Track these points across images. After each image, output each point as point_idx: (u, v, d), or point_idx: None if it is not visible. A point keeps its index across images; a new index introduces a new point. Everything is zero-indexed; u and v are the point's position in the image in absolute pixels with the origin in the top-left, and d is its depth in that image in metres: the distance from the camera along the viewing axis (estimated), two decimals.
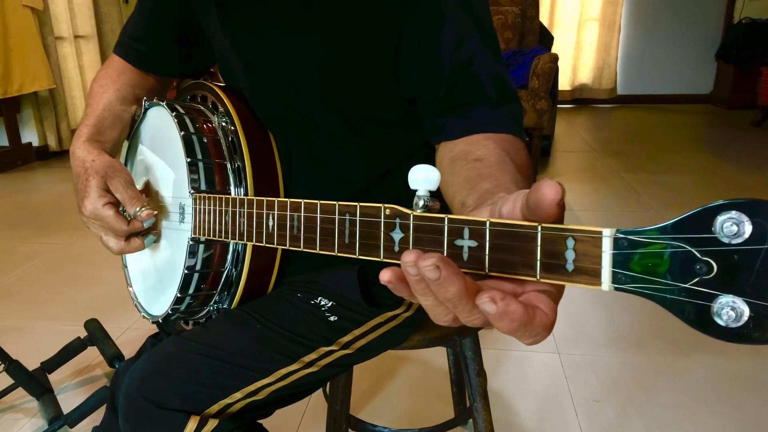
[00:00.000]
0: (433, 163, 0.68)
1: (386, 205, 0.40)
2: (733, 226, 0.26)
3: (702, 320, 0.28)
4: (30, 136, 4.10)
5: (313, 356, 0.72)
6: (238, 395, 0.68)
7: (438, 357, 1.59)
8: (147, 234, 0.74)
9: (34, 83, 3.83)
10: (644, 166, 3.59)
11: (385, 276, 0.35)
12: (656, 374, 1.51)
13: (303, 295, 0.75)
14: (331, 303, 0.74)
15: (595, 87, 5.83)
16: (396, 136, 0.75)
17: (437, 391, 1.47)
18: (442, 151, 0.63)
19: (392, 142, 0.75)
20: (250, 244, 0.71)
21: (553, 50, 3.51)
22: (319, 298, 0.74)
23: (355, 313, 0.75)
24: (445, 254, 0.37)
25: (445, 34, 0.62)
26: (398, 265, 0.34)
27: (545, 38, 3.78)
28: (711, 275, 0.27)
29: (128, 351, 1.53)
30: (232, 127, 0.72)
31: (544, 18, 5.51)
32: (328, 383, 1.03)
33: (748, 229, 0.26)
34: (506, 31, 3.65)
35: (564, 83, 5.75)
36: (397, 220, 0.39)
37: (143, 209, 0.70)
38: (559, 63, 3.30)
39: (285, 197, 0.74)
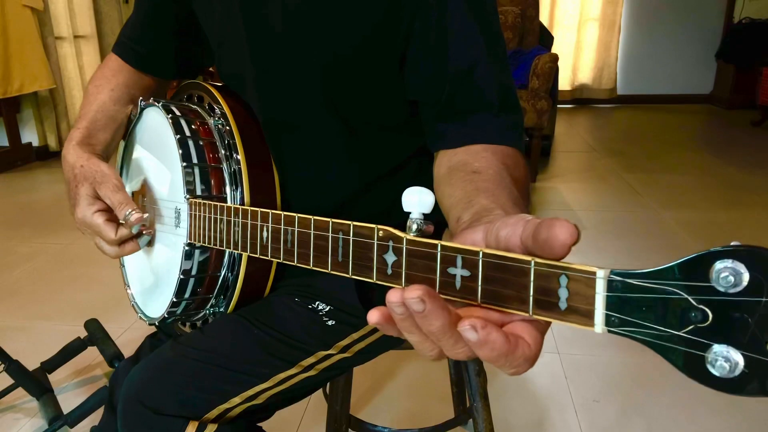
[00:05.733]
0: (429, 170, 0.68)
1: (380, 227, 0.40)
2: (730, 277, 0.26)
3: (696, 369, 0.27)
4: (30, 136, 4.10)
5: (311, 360, 0.71)
6: (236, 400, 0.68)
7: None
8: (140, 235, 0.73)
9: (34, 83, 3.82)
10: (644, 166, 3.59)
11: (374, 318, 0.35)
12: (656, 374, 1.52)
13: (300, 299, 0.74)
14: (329, 307, 0.74)
15: (595, 87, 5.83)
16: (394, 141, 0.74)
17: (437, 391, 1.47)
18: (441, 159, 0.62)
19: (389, 147, 0.74)
20: None
21: (553, 50, 3.51)
22: (317, 303, 0.74)
23: (353, 317, 0.74)
24: (437, 281, 0.36)
25: (451, 39, 0.61)
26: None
27: (545, 38, 3.78)
28: (706, 324, 0.27)
29: (128, 351, 1.53)
30: (229, 129, 0.72)
31: (544, 18, 5.51)
32: (328, 383, 1.03)
33: (745, 279, 0.26)
34: (506, 31, 3.65)
35: (564, 83, 5.75)
36: (390, 243, 0.39)
37: (132, 213, 0.68)
38: (559, 63, 3.30)
39: (281, 201, 0.74)
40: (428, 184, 0.75)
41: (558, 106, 4.62)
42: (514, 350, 0.32)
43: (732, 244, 0.26)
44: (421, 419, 1.37)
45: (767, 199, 2.91)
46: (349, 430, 1.04)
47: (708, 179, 3.29)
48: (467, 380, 0.96)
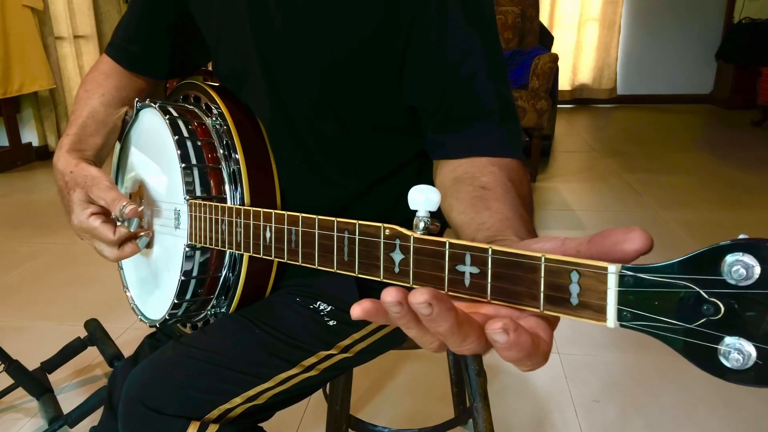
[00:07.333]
0: (429, 173, 0.67)
1: (386, 225, 0.40)
2: (742, 270, 0.26)
3: (709, 361, 0.27)
4: (30, 136, 4.10)
5: (312, 360, 0.71)
6: (238, 400, 0.68)
7: (438, 357, 1.59)
8: (139, 236, 0.73)
9: (34, 83, 3.83)
10: (644, 166, 3.59)
11: (356, 313, 0.33)
12: (656, 374, 1.52)
13: (302, 299, 0.74)
14: (330, 307, 0.74)
15: (595, 87, 5.83)
16: (393, 143, 0.74)
17: (437, 391, 1.47)
18: (444, 169, 0.62)
19: (388, 149, 0.74)
20: None
21: (553, 50, 3.51)
22: (318, 303, 0.74)
23: None
24: (446, 279, 0.36)
25: (450, 47, 0.61)
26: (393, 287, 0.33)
27: (545, 38, 3.78)
28: (718, 316, 0.27)
29: (128, 351, 1.53)
30: (227, 129, 0.71)
31: (544, 18, 5.50)
32: (328, 383, 1.03)
33: (756, 272, 0.26)
34: (506, 31, 3.65)
35: (564, 83, 5.74)
36: (397, 242, 0.39)
37: (126, 206, 0.68)
38: (559, 63, 3.30)
39: (280, 201, 0.74)
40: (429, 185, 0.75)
41: (558, 106, 4.62)
42: (537, 349, 0.32)
43: (741, 237, 0.26)
44: (421, 419, 1.37)
45: (767, 199, 2.91)
46: (349, 430, 1.04)
47: (708, 179, 3.29)
48: (467, 380, 0.96)
